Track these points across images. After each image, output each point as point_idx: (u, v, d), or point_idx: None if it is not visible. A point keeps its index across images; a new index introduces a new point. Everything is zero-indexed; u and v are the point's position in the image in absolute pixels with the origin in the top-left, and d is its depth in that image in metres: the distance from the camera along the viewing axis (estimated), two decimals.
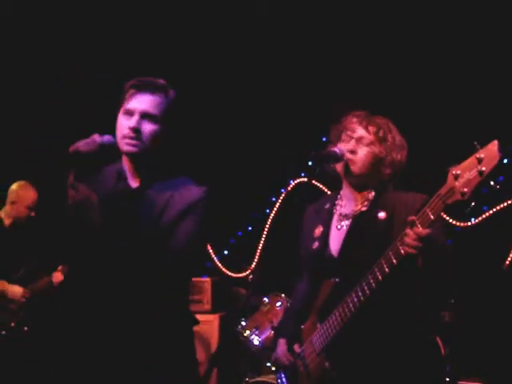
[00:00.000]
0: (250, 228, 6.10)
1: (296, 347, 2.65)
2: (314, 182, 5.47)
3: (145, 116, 2.43)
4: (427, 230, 2.18)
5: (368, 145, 2.58)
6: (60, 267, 4.79)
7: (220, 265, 6.01)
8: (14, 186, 4.86)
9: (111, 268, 2.41)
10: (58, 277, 4.77)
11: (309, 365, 2.58)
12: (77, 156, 2.32)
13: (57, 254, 4.54)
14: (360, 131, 2.60)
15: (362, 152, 2.57)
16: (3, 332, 4.54)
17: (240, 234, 6.14)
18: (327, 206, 2.73)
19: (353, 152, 2.57)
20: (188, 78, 5.75)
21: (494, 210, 5.09)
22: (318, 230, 2.67)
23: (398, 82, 5.28)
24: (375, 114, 2.72)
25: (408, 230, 2.22)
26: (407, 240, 2.22)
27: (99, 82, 5.47)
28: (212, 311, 5.33)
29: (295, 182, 5.72)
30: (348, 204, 2.66)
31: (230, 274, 5.97)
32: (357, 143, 2.59)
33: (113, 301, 2.43)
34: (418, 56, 5.19)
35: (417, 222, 2.20)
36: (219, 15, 5.63)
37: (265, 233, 5.89)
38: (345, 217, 2.64)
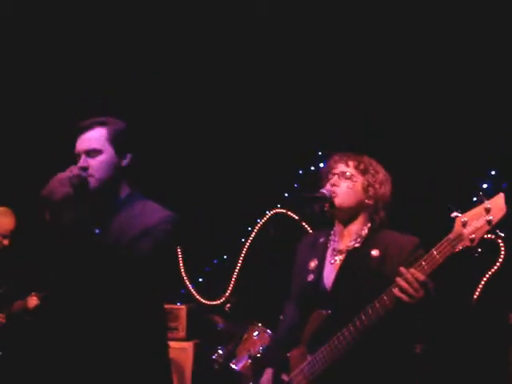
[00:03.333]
0: (225, 256, 6.18)
1: (284, 376, 2.74)
2: (289, 213, 5.66)
3: (88, 153, 2.58)
4: (423, 276, 2.32)
5: (349, 178, 2.71)
6: (34, 292, 4.78)
7: (194, 292, 6.07)
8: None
9: (81, 288, 2.51)
10: (32, 301, 4.76)
11: None
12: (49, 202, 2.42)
13: (32, 278, 4.58)
14: (341, 167, 2.74)
15: (344, 184, 2.70)
16: None
17: (215, 261, 6.22)
18: (322, 239, 2.85)
19: (334, 185, 2.70)
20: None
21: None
22: (313, 263, 2.79)
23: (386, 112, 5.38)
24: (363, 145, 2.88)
25: (405, 273, 2.34)
26: (403, 285, 2.34)
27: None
28: (187, 339, 5.37)
29: (271, 212, 5.83)
30: (340, 240, 2.79)
31: (204, 301, 6.03)
32: (339, 178, 2.72)
33: (86, 323, 2.51)
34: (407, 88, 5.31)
35: (424, 264, 2.33)
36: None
37: (240, 261, 5.97)
38: (339, 252, 2.76)
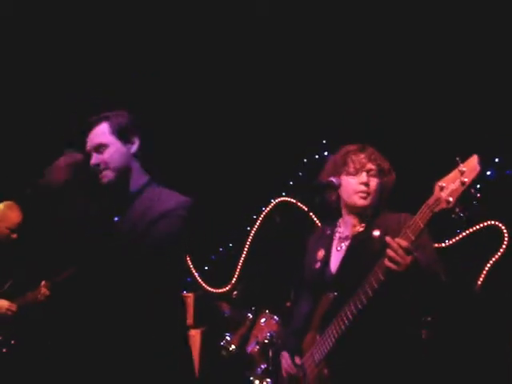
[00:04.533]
0: (230, 244, 6.24)
1: (297, 359, 2.83)
2: (294, 201, 5.70)
3: (97, 150, 2.68)
4: (406, 242, 2.38)
5: (375, 176, 2.81)
6: (43, 282, 4.85)
7: (200, 280, 6.13)
8: (0, 205, 4.84)
9: (101, 274, 2.57)
10: (43, 291, 4.83)
11: (309, 375, 2.75)
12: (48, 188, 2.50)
13: (41, 269, 4.64)
14: (369, 165, 2.81)
15: (373, 183, 2.80)
16: None
17: (221, 250, 6.28)
18: (328, 232, 2.95)
19: (366, 184, 2.78)
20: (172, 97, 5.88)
21: (467, 231, 5.29)
22: (321, 253, 2.89)
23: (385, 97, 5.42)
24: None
25: (390, 242, 2.42)
26: (390, 253, 2.41)
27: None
28: (194, 326, 5.44)
29: (276, 200, 5.88)
30: (347, 228, 2.88)
31: (210, 289, 6.09)
32: (368, 176, 2.79)
33: (105, 307, 2.56)
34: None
35: (407, 231, 2.41)
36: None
37: (245, 249, 6.03)
38: (344, 239, 2.86)
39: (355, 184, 2.77)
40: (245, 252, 6.02)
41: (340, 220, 2.93)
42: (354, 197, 2.79)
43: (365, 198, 2.77)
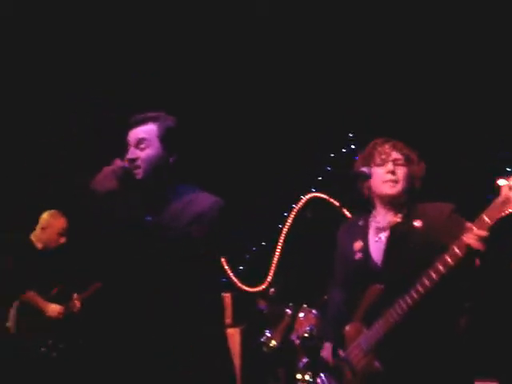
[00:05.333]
0: (263, 243, 6.29)
1: (340, 352, 2.86)
2: (324, 196, 5.74)
3: (138, 145, 2.68)
4: (486, 232, 2.41)
5: (403, 165, 2.86)
6: (75, 295, 5.01)
7: (236, 280, 6.19)
8: (45, 214, 5.12)
9: (137, 275, 2.60)
10: (75, 304, 5.00)
11: (355, 366, 2.79)
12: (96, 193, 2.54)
13: (87, 274, 4.77)
14: (394, 154, 2.87)
15: (401, 172, 2.85)
16: (43, 349, 4.74)
17: (254, 249, 6.34)
18: (360, 222, 2.98)
19: (393, 173, 2.83)
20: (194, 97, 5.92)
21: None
22: (358, 244, 2.91)
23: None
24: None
25: (468, 234, 2.44)
26: (470, 241, 2.43)
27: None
28: (233, 325, 5.50)
29: (307, 196, 5.92)
30: (383, 218, 2.91)
31: (245, 288, 6.14)
32: (394, 165, 2.85)
33: (141, 310, 2.60)
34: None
35: (474, 228, 2.43)
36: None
37: (278, 247, 6.08)
38: (382, 229, 2.88)
39: (382, 174, 2.84)
40: (278, 249, 6.06)
41: (374, 211, 2.96)
42: (382, 186, 2.84)
43: (393, 187, 2.82)
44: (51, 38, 5.72)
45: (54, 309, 4.88)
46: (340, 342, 2.88)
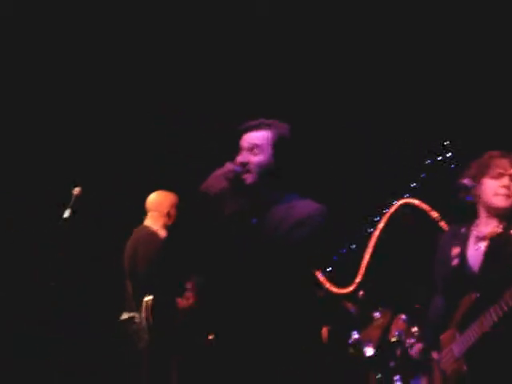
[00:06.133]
0: (353, 246, 6.33)
1: (434, 354, 2.98)
2: (415, 202, 5.71)
3: (251, 150, 2.76)
4: None
5: None
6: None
7: (324, 281, 6.24)
8: (159, 198, 4.74)
9: (240, 274, 2.70)
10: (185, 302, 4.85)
11: (446, 370, 2.90)
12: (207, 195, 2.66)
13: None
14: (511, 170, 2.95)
15: None
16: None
17: (343, 251, 6.38)
18: (463, 230, 3.07)
19: (508, 188, 2.92)
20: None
21: None
22: (456, 250, 3.01)
23: None
24: None
25: None
26: None
27: None
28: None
29: (399, 201, 5.90)
30: (485, 228, 2.99)
31: (333, 289, 6.19)
32: (510, 180, 2.94)
33: (243, 309, 2.69)
34: None
35: None
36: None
37: (368, 250, 6.09)
38: (482, 238, 2.97)
39: (496, 187, 2.92)
40: (368, 253, 6.08)
41: (477, 220, 3.04)
42: (494, 198, 2.93)
43: (506, 200, 2.90)
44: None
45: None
46: (437, 347, 2.98)
